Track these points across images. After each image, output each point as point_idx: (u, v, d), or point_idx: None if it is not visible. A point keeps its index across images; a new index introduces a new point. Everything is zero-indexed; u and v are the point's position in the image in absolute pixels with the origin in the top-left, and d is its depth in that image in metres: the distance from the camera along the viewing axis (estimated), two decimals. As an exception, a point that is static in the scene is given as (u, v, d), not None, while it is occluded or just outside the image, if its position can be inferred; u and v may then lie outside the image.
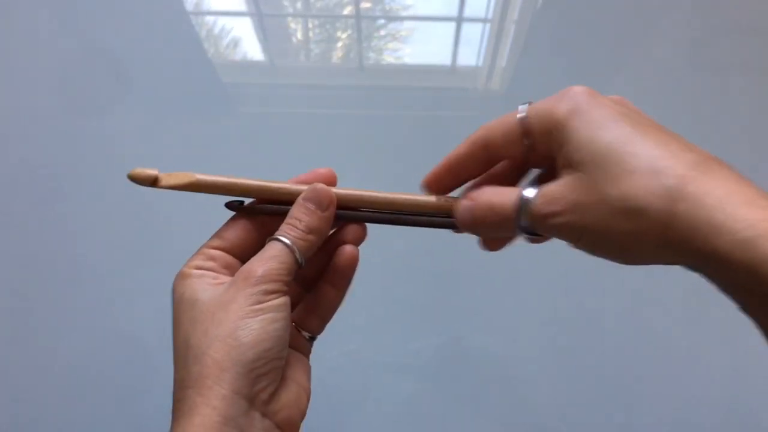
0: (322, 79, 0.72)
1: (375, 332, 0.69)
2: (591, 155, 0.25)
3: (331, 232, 0.33)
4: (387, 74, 0.74)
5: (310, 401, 0.32)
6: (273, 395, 0.29)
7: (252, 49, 0.72)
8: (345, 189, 0.33)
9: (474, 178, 0.33)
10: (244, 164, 0.66)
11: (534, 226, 0.28)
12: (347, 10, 0.73)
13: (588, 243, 0.26)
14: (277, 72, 0.73)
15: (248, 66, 0.72)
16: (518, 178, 0.32)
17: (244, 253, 0.32)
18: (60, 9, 0.68)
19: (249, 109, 0.71)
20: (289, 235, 0.31)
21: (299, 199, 0.32)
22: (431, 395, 0.68)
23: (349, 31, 0.73)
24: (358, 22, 0.72)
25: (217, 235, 0.33)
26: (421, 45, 0.72)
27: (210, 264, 0.31)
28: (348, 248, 0.33)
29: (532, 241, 0.30)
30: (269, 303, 0.29)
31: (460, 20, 0.72)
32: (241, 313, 0.28)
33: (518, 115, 0.29)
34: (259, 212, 0.33)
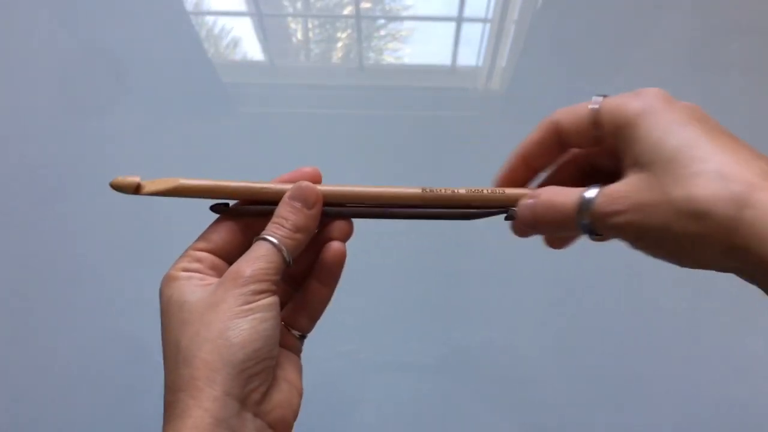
0: (322, 79, 0.72)
1: (373, 332, 0.69)
2: (660, 156, 0.26)
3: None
4: (387, 74, 0.74)
5: (309, 402, 0.32)
6: (265, 395, 0.29)
7: (252, 49, 0.72)
8: (330, 185, 0.33)
9: (544, 168, 0.33)
10: (244, 164, 0.66)
11: (595, 224, 0.28)
12: (347, 10, 0.73)
13: (649, 244, 0.27)
14: (277, 72, 0.73)
15: (248, 66, 0.72)
16: (583, 182, 0.32)
17: (230, 255, 0.32)
18: (60, 9, 0.68)
19: (249, 109, 0.71)
20: (276, 234, 0.30)
21: (285, 198, 0.31)
22: (431, 395, 0.68)
23: (349, 31, 0.73)
24: (358, 22, 0.72)
25: (203, 237, 0.33)
26: (421, 45, 0.72)
27: (196, 266, 0.31)
28: (335, 244, 0.33)
29: (594, 239, 0.30)
30: (258, 303, 0.29)
31: (460, 20, 0.72)
32: (231, 313, 0.28)
33: (590, 106, 0.29)
34: (245, 214, 0.33)
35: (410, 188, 0.33)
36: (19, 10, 0.67)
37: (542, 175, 0.34)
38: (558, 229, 0.31)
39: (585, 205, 0.28)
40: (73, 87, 0.67)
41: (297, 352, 0.34)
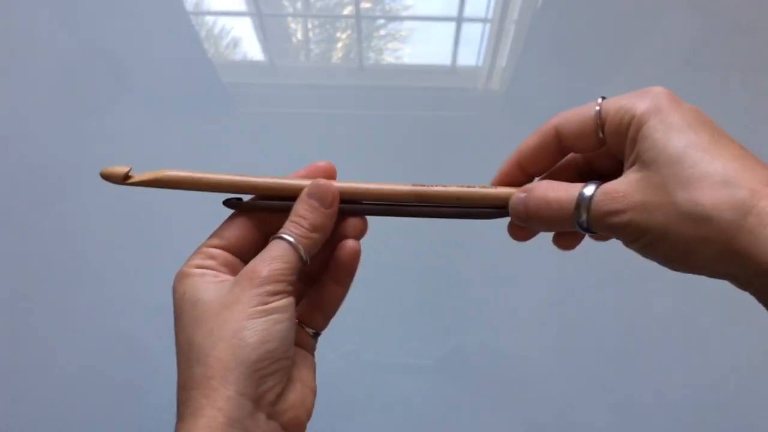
0: (322, 79, 0.72)
1: (374, 332, 0.69)
2: (665, 156, 0.25)
3: None
4: (387, 74, 0.74)
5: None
6: (279, 396, 0.29)
7: (252, 49, 0.72)
8: (346, 182, 0.32)
9: (540, 173, 0.33)
10: (244, 164, 0.66)
11: (592, 223, 0.27)
12: (347, 10, 0.73)
13: (646, 245, 0.26)
14: (277, 72, 0.73)
15: (248, 66, 0.72)
16: (580, 182, 0.32)
17: (244, 252, 0.32)
18: (60, 9, 0.68)
19: (249, 109, 0.71)
20: (293, 233, 0.30)
21: (302, 196, 0.31)
22: (431, 395, 0.69)
23: (349, 31, 0.73)
24: (358, 22, 0.72)
25: (216, 233, 0.33)
26: (421, 45, 0.72)
27: (210, 262, 0.31)
28: (350, 243, 0.33)
29: (596, 238, 0.30)
30: (274, 304, 0.28)
31: (460, 20, 0.72)
32: (246, 314, 0.28)
33: (596, 107, 0.29)
34: (258, 209, 0.33)
35: (402, 185, 0.32)
36: (19, 10, 0.67)
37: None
38: (552, 226, 0.30)
39: (583, 202, 0.27)
40: (73, 87, 0.67)
41: (311, 350, 0.34)
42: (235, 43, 0.71)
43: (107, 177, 0.32)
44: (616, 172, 0.28)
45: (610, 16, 0.70)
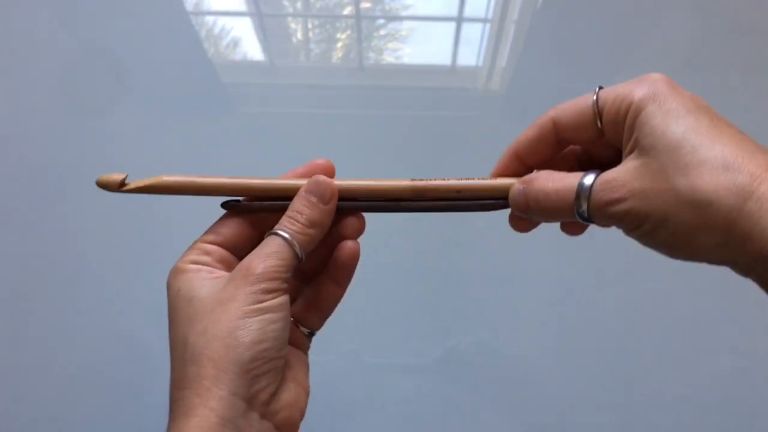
0: (322, 79, 0.72)
1: (374, 332, 0.69)
2: (663, 142, 0.25)
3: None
4: (387, 74, 0.74)
5: (310, 402, 0.31)
6: (272, 396, 0.29)
7: (252, 49, 0.72)
8: (344, 180, 0.32)
9: (538, 165, 0.32)
10: (244, 164, 0.66)
11: (592, 212, 0.27)
12: (347, 10, 0.73)
13: (646, 233, 0.26)
14: (277, 72, 0.73)
15: (248, 66, 0.72)
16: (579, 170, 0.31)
17: (239, 248, 0.32)
18: (60, 9, 0.68)
19: (249, 109, 0.71)
20: (289, 229, 0.30)
21: (301, 192, 0.31)
22: (431, 395, 0.68)
23: (349, 31, 0.73)
24: (358, 22, 0.72)
25: (212, 230, 0.32)
26: (421, 45, 0.72)
27: (205, 258, 0.31)
28: (349, 243, 0.33)
29: (598, 224, 0.29)
30: (269, 303, 0.28)
31: (460, 20, 0.72)
32: (240, 312, 0.28)
33: (593, 97, 0.29)
34: (256, 210, 0.32)
35: (399, 180, 0.32)
36: (19, 10, 0.67)
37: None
38: (553, 217, 0.30)
39: (582, 191, 0.27)
40: (73, 87, 0.67)
41: (305, 349, 0.34)
42: (235, 43, 0.71)
43: (103, 185, 0.31)
44: (615, 161, 0.28)
45: (610, 16, 0.70)
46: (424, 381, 0.68)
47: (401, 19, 0.72)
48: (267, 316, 0.28)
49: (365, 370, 0.68)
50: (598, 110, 0.28)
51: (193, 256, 0.31)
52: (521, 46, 0.71)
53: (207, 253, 0.31)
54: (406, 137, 0.70)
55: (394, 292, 0.69)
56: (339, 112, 0.70)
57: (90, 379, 0.66)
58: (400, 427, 0.68)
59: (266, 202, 0.32)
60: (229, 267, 0.31)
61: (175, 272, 0.30)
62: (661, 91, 0.26)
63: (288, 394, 0.30)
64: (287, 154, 0.67)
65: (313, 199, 0.31)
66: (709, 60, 0.69)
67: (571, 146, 0.33)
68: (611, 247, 0.66)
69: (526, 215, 0.30)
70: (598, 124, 0.29)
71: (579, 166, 0.33)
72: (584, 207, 0.27)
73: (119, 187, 0.31)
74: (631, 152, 0.27)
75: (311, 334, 0.34)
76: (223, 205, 0.33)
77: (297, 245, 0.30)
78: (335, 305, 0.34)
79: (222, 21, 0.71)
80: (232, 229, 0.32)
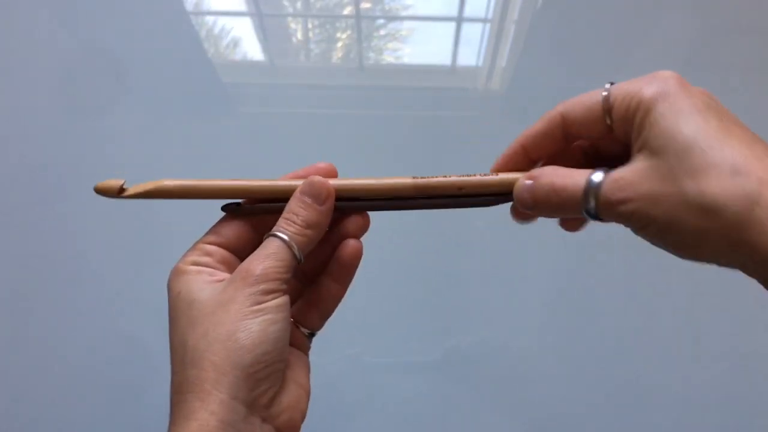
0: (322, 79, 0.72)
1: (374, 332, 0.69)
2: (673, 143, 0.25)
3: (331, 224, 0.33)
4: (387, 74, 0.74)
5: (312, 405, 0.31)
6: (273, 399, 0.28)
7: (252, 49, 0.72)
8: (344, 179, 0.32)
9: (544, 159, 0.32)
10: (244, 164, 0.66)
11: (600, 210, 0.27)
12: (347, 10, 0.73)
13: (654, 233, 0.26)
14: (277, 72, 0.73)
15: (248, 66, 0.72)
16: (586, 167, 0.31)
17: (241, 250, 0.32)
18: (60, 9, 0.68)
19: (249, 109, 0.71)
20: (286, 230, 0.30)
21: (296, 193, 0.31)
22: (431, 395, 0.68)
23: (349, 31, 0.73)
24: (358, 22, 0.72)
25: (213, 230, 0.32)
26: (421, 45, 0.72)
27: (206, 259, 0.31)
28: (352, 242, 0.32)
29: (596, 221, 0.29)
30: (268, 304, 0.28)
31: (460, 20, 0.72)
32: (240, 314, 0.28)
33: (603, 93, 0.28)
34: (256, 212, 0.32)
35: (401, 178, 0.32)
36: (19, 10, 0.67)
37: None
38: (559, 213, 0.30)
39: (591, 190, 0.27)
40: (73, 87, 0.67)
41: (305, 350, 0.33)
42: (235, 43, 0.71)
43: (101, 191, 0.31)
44: (623, 156, 0.28)
45: (610, 16, 0.70)
46: (424, 381, 0.68)
47: (401, 19, 0.72)
48: (267, 317, 0.28)
49: (365, 370, 0.68)
50: (607, 107, 0.28)
51: (194, 257, 0.31)
52: (521, 46, 0.71)
53: (208, 254, 0.31)
54: (406, 137, 0.70)
55: (394, 291, 0.69)
56: (339, 112, 0.70)
57: (90, 379, 0.66)
58: (401, 428, 0.68)
59: (266, 204, 0.32)
60: (230, 268, 0.31)
61: (176, 273, 0.30)
62: (671, 89, 0.26)
63: (289, 396, 0.30)
64: (287, 154, 0.67)
65: (308, 200, 0.31)
66: (709, 60, 0.69)
67: (579, 141, 0.32)
68: (611, 247, 0.66)
69: (532, 211, 0.30)
70: (608, 120, 0.28)
71: (585, 159, 0.33)
72: (592, 204, 0.27)
73: (118, 193, 0.31)
74: (640, 150, 0.26)
75: (312, 335, 0.34)
76: (224, 208, 0.33)
77: (295, 246, 0.30)
78: (336, 305, 0.34)
79: (222, 21, 0.71)
80: (234, 229, 0.32)
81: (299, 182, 0.32)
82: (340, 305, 0.34)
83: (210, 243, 0.32)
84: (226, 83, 0.71)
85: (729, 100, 0.28)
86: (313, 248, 0.31)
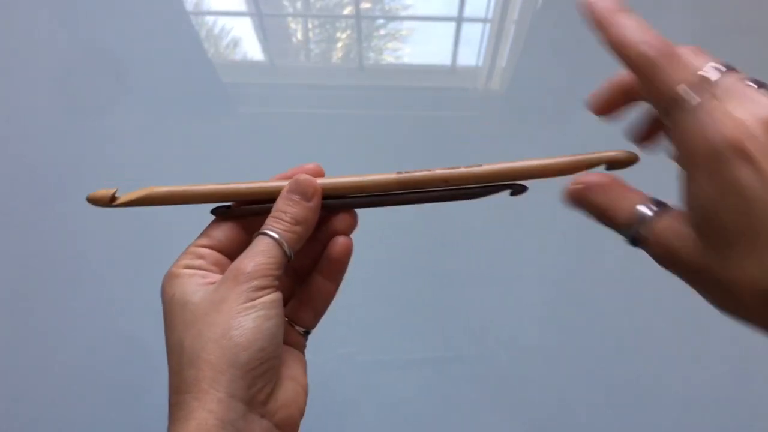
0: (322, 79, 0.72)
1: (372, 332, 0.69)
2: (744, 226, 0.22)
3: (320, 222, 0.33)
4: (387, 74, 0.74)
5: (310, 404, 0.31)
6: (270, 396, 0.29)
7: (252, 49, 0.72)
8: (329, 178, 0.32)
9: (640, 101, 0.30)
10: (244, 164, 0.66)
11: (646, 244, 0.26)
12: (347, 10, 0.73)
13: (692, 282, 0.25)
14: (277, 72, 0.73)
15: (248, 66, 0.72)
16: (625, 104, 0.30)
17: (233, 251, 0.32)
18: (60, 9, 0.68)
19: (249, 109, 0.71)
20: (275, 228, 0.30)
21: (283, 192, 0.31)
22: (430, 395, 0.68)
23: (349, 31, 0.73)
24: (358, 22, 0.72)
25: (205, 233, 0.33)
26: (421, 45, 0.72)
27: (199, 262, 0.31)
28: (341, 239, 0.33)
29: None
30: (261, 300, 0.28)
31: (460, 20, 0.72)
32: (233, 312, 0.28)
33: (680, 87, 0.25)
34: (246, 214, 0.33)
35: (385, 174, 0.32)
36: (19, 10, 0.67)
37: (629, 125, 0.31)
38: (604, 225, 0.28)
39: (641, 221, 0.26)
40: (73, 87, 0.67)
41: (301, 348, 0.34)
42: (235, 43, 0.71)
43: (93, 201, 0.32)
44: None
45: (610, 16, 0.70)
46: (418, 380, 0.68)
47: (401, 19, 0.72)
48: (261, 313, 0.28)
49: (364, 369, 0.68)
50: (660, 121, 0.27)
51: (186, 261, 0.31)
52: (521, 46, 0.71)
53: (200, 257, 0.31)
54: (406, 137, 0.70)
55: (388, 291, 0.69)
56: (339, 112, 0.70)
57: (90, 379, 0.66)
58: (398, 426, 0.68)
59: (255, 206, 0.32)
60: (222, 270, 0.31)
61: (169, 277, 0.31)
62: (759, 146, 0.21)
63: (286, 393, 0.30)
64: (287, 154, 0.67)
65: (296, 198, 0.31)
66: (709, 60, 0.69)
67: (624, 79, 0.31)
68: (611, 247, 0.66)
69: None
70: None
71: (624, 99, 0.31)
72: (638, 234, 0.26)
73: (110, 202, 0.31)
74: (697, 205, 0.24)
75: (307, 333, 0.34)
76: (213, 211, 0.33)
77: (285, 243, 0.30)
78: (329, 302, 0.34)
79: (222, 21, 0.71)
80: (225, 232, 0.32)
81: (286, 183, 0.32)
82: (334, 304, 0.34)
83: (202, 246, 0.32)
84: (226, 83, 0.71)
85: (729, 100, 0.28)
86: (303, 246, 0.32)
